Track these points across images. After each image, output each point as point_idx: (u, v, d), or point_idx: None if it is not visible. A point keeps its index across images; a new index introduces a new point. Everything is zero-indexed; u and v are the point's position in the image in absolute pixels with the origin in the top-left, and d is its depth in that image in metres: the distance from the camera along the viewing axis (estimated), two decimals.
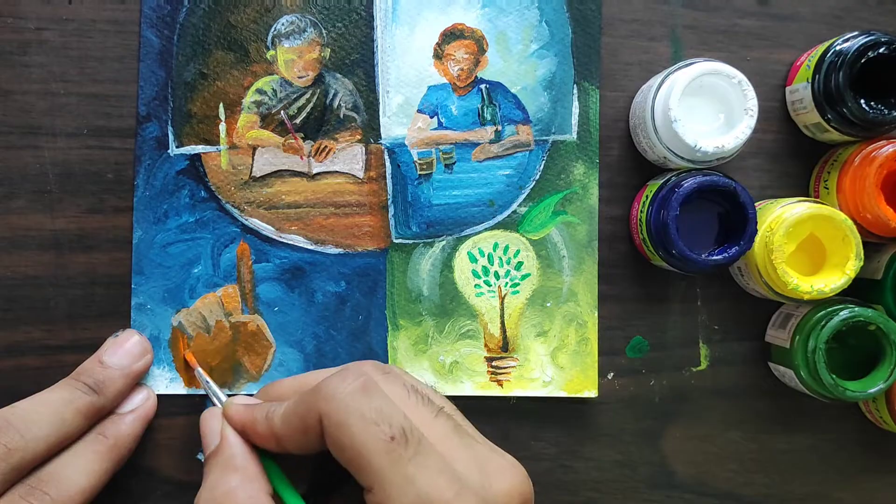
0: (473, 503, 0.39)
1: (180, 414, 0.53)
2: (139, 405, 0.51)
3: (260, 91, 0.53)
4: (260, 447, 0.44)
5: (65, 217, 0.53)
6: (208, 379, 0.50)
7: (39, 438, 0.45)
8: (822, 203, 0.50)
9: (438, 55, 0.54)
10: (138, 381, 0.51)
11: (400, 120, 0.54)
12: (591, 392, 0.54)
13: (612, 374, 0.55)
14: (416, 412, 0.41)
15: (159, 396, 0.52)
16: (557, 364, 0.54)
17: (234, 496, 0.42)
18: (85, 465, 0.46)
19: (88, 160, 0.53)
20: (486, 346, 0.54)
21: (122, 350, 0.51)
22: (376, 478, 0.38)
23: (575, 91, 0.54)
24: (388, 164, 0.54)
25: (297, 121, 0.53)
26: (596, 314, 0.54)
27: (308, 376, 0.48)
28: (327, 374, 0.43)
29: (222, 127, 0.53)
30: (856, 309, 0.49)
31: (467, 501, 0.38)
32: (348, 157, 0.54)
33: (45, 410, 0.46)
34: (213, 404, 0.50)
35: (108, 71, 0.53)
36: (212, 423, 0.46)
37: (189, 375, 0.53)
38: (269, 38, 0.53)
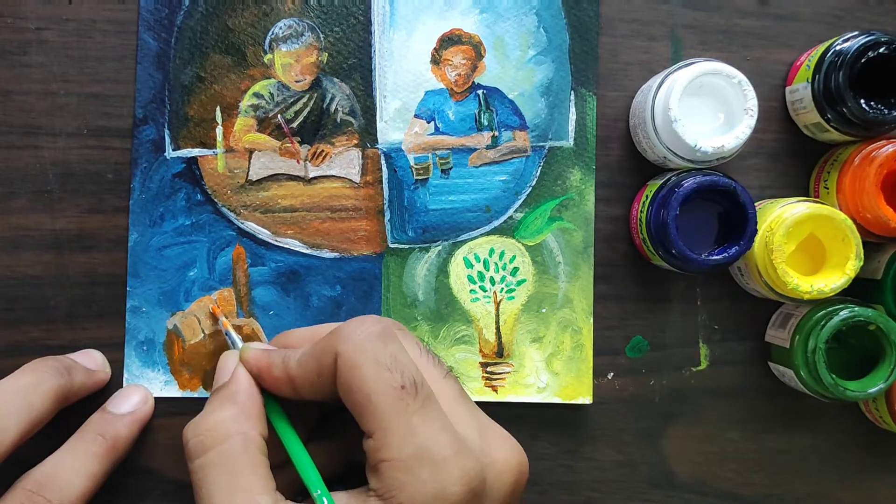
0: (472, 465, 0.39)
1: (179, 414, 0.53)
2: (137, 407, 0.51)
3: (257, 95, 0.53)
4: (271, 393, 0.44)
5: (65, 217, 0.53)
6: (229, 329, 0.50)
7: (9, 428, 0.44)
8: (822, 203, 0.50)
9: (436, 60, 0.54)
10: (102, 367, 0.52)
11: (397, 125, 0.54)
12: (586, 398, 0.53)
13: (611, 374, 0.54)
14: (426, 369, 0.42)
15: (155, 398, 0.52)
16: (552, 370, 0.54)
17: (224, 426, 0.42)
18: (83, 468, 0.46)
19: (88, 160, 0.53)
20: (480, 351, 0.54)
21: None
22: (380, 423, 0.39)
23: (572, 97, 0.54)
24: (384, 168, 0.54)
25: (294, 125, 0.53)
26: (591, 321, 0.54)
27: (322, 326, 0.48)
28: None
29: (219, 130, 0.53)
30: (856, 309, 0.49)
31: (466, 462, 0.38)
32: (345, 161, 0.54)
33: (11, 399, 0.45)
34: None
35: (108, 71, 0.53)
36: (227, 363, 0.46)
37: (184, 378, 0.52)
38: (267, 41, 0.53)
